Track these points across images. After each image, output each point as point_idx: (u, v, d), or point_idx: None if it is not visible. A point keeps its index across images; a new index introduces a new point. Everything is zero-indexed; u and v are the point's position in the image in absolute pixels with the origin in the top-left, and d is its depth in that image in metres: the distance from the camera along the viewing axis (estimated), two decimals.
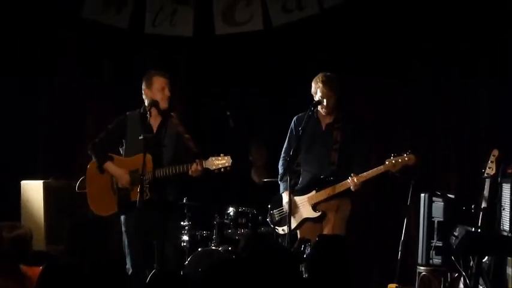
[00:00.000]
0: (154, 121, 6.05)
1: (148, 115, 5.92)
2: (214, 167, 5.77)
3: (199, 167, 5.77)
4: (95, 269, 3.80)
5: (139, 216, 5.72)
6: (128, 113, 6.20)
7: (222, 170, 5.77)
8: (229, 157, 5.77)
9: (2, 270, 4.44)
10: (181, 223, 7.18)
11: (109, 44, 8.30)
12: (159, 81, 6.03)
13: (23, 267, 4.49)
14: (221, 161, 5.76)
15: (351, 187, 6.03)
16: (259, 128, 8.20)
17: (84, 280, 3.59)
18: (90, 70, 8.42)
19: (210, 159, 5.78)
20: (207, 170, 5.80)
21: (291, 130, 6.36)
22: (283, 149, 6.43)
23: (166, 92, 6.01)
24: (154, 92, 6.01)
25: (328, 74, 6.20)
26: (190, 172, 5.81)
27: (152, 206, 5.80)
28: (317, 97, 6.16)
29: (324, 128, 6.25)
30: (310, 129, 6.18)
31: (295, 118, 6.36)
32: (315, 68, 6.60)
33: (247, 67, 8.10)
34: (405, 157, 5.97)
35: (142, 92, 6.09)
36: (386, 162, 5.99)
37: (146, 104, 6.05)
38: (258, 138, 8.04)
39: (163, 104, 6.01)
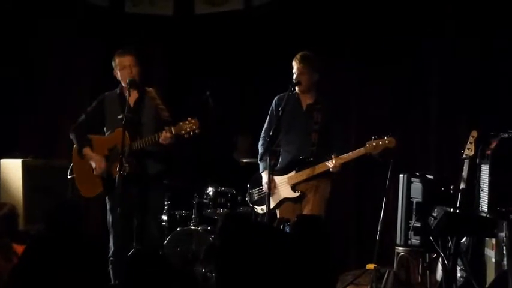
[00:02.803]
0: (132, 98, 6.03)
1: (127, 95, 5.91)
2: (183, 132, 5.74)
3: (168, 134, 5.76)
4: (76, 248, 3.78)
5: (120, 192, 5.70)
6: (106, 93, 6.21)
7: (192, 133, 5.75)
8: (196, 120, 5.75)
9: None
10: None
11: (89, 22, 8.23)
12: (122, 61, 6.05)
13: (14, 245, 4.51)
14: (189, 125, 5.74)
15: (330, 168, 6.03)
16: (240, 109, 8.19)
17: (66, 258, 3.59)
18: (70, 49, 8.35)
19: (178, 124, 5.77)
20: (177, 136, 5.78)
21: (272, 110, 6.32)
22: (264, 129, 6.39)
23: (132, 69, 6.00)
24: (120, 71, 6.03)
25: (305, 52, 6.18)
26: (160, 140, 5.79)
27: (132, 180, 5.79)
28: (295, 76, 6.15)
29: (304, 108, 6.23)
30: (290, 109, 6.15)
31: (276, 98, 6.31)
32: (296, 48, 6.58)
33: (227, 46, 8.07)
34: (386, 140, 5.95)
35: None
36: (367, 145, 5.97)
37: (122, 84, 6.06)
38: (244, 124, 8.03)
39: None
